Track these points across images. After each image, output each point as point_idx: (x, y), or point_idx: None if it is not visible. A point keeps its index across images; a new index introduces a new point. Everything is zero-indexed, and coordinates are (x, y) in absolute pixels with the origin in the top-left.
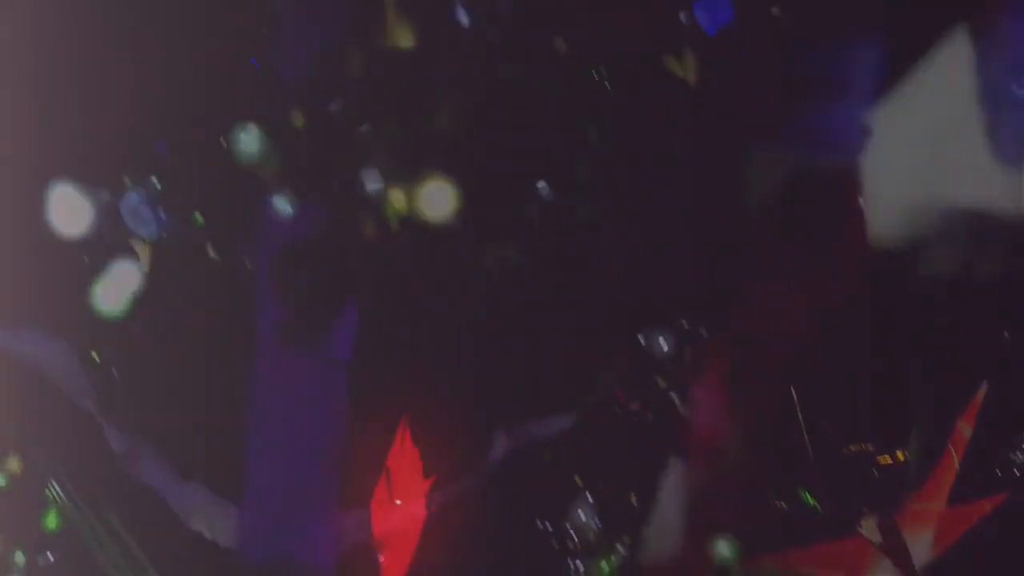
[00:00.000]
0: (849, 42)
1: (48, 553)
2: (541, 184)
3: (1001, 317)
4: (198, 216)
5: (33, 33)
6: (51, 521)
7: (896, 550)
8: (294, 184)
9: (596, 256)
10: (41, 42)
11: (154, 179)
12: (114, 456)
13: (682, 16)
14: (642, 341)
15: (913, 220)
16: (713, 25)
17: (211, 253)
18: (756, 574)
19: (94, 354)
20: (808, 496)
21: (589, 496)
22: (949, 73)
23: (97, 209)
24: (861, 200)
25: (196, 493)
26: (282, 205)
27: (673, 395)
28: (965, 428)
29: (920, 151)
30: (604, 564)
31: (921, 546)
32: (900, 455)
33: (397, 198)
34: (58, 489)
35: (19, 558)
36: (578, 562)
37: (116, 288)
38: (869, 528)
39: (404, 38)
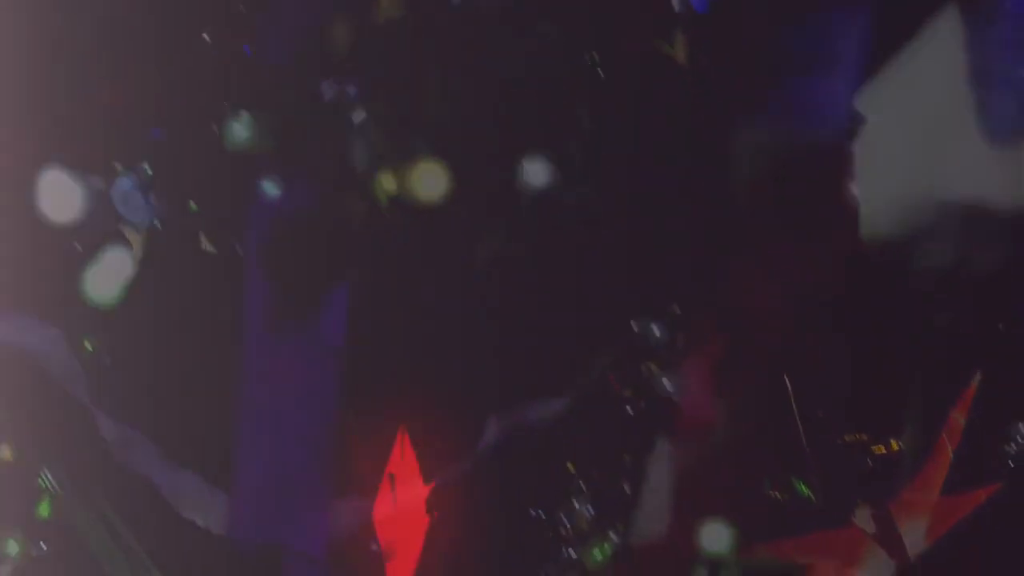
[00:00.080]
0: (838, 19)
1: (41, 543)
2: (534, 167)
3: (996, 307)
4: (191, 203)
5: (22, 17)
6: (44, 510)
7: (890, 540)
8: (283, 167)
9: (589, 240)
10: (30, 26)
11: (145, 165)
12: (106, 444)
13: None
14: (635, 327)
15: (905, 206)
16: (703, 2)
17: (204, 241)
18: (750, 563)
19: (87, 343)
20: (802, 486)
21: (582, 483)
22: (940, 51)
23: (88, 196)
24: (851, 183)
25: (188, 481)
26: (270, 188)
27: (666, 381)
28: (959, 418)
29: (911, 135)
30: (597, 552)
31: (915, 536)
32: (894, 444)
33: (387, 179)
34: (50, 478)
35: (12, 547)
36: (571, 550)
37: (108, 275)
38: (863, 518)
39: (393, 9)
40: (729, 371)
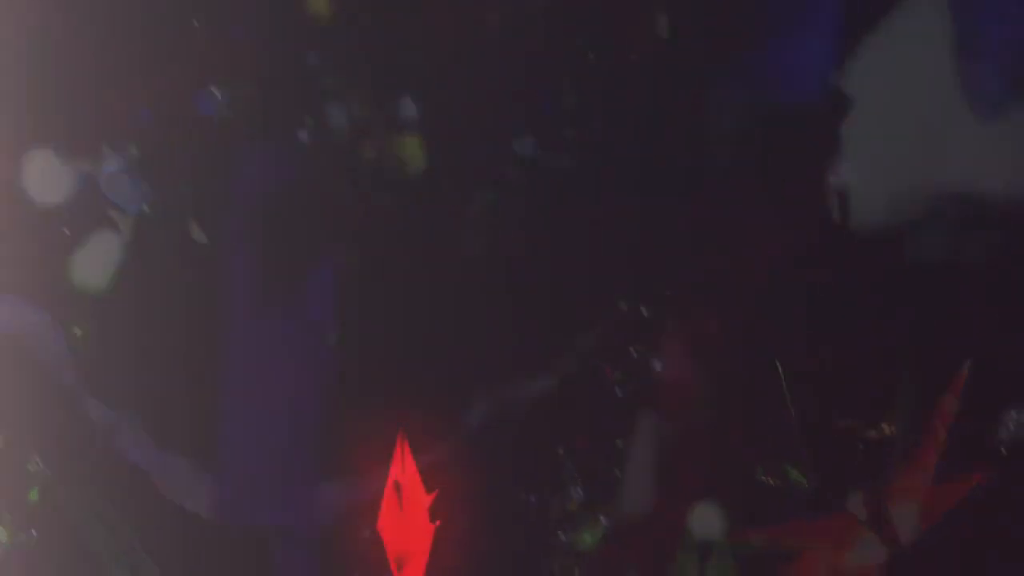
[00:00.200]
0: None
1: (32, 530)
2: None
3: (990, 292)
4: (179, 186)
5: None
6: (34, 496)
7: (882, 525)
8: (261, 139)
9: (574, 216)
10: (16, 8)
11: (133, 148)
12: (95, 429)
13: None
14: (622, 306)
15: (896, 190)
16: None
17: (194, 228)
18: (740, 548)
19: (76, 329)
20: (793, 471)
21: (571, 466)
22: (923, 20)
23: (75, 179)
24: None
25: (178, 466)
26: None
27: (654, 362)
28: (951, 403)
29: (899, 114)
30: (587, 535)
31: (907, 521)
32: (887, 429)
33: (369, 149)
34: (41, 464)
35: (1, 535)
36: (560, 533)
37: (96, 260)
38: (855, 503)
39: None
40: (716, 352)
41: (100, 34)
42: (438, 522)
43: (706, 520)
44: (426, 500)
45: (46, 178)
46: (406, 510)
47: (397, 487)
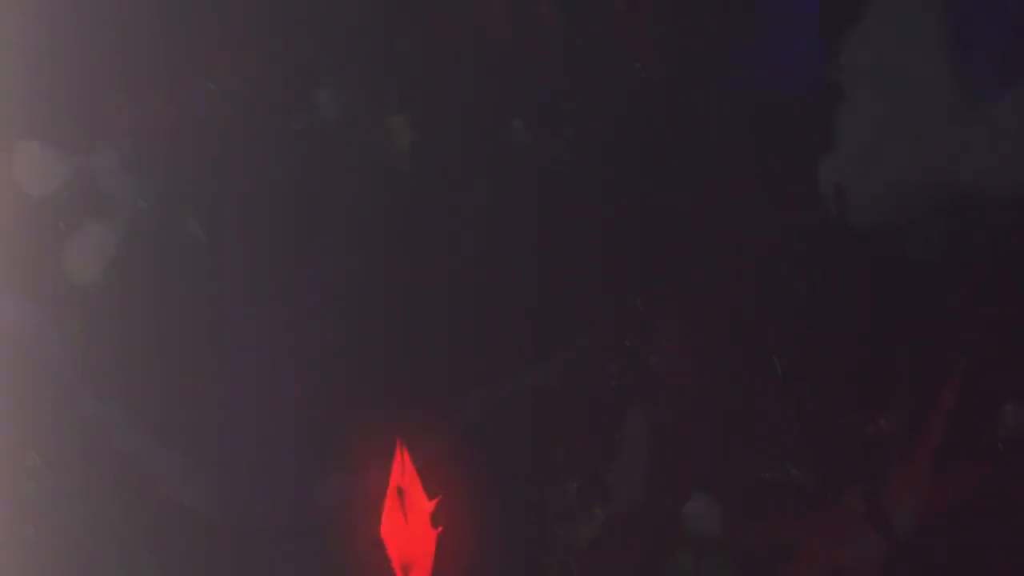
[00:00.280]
0: None
1: (30, 525)
2: (517, 124)
3: (988, 287)
4: (174, 181)
5: None
6: (31, 493)
7: (880, 520)
8: (253, 130)
9: (572, 213)
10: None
11: (128, 143)
12: (90, 424)
13: None
14: (619, 302)
15: (891, 185)
16: None
17: (193, 224)
18: (738, 541)
19: (74, 323)
20: (793, 468)
21: (568, 460)
22: (911, 12)
23: (70, 172)
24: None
25: (174, 460)
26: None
27: (650, 357)
28: (948, 398)
29: (892, 108)
30: (584, 530)
31: (905, 516)
32: (884, 424)
33: (362, 135)
34: (37, 460)
35: None
36: (558, 528)
37: (90, 253)
38: (853, 498)
39: None
40: (713, 347)
41: (97, 31)
42: (441, 528)
43: (703, 515)
44: (428, 506)
45: (42, 174)
46: (409, 516)
47: (400, 493)
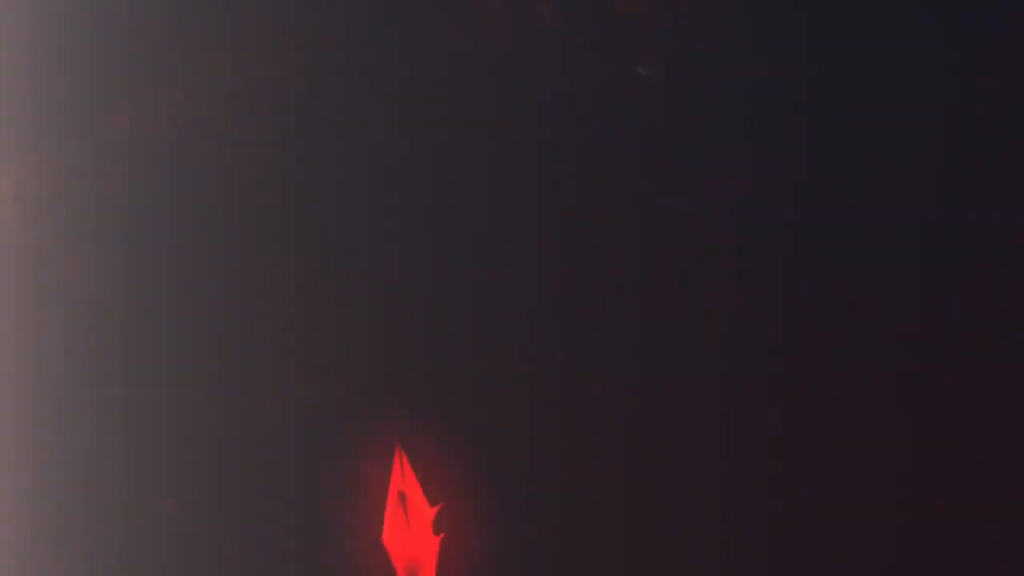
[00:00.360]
0: None
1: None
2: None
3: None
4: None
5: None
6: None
7: None
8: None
9: (568, 208)
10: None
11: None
12: (91, 424)
13: None
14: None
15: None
16: None
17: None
18: None
19: (74, 323)
20: None
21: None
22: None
23: (71, 171)
24: None
25: (173, 460)
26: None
27: None
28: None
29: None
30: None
31: None
32: None
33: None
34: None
35: None
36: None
37: (91, 253)
38: None
39: None
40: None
41: (98, 32)
42: (443, 534)
43: None
44: (430, 512)
45: (43, 175)
46: (412, 521)
47: (402, 497)
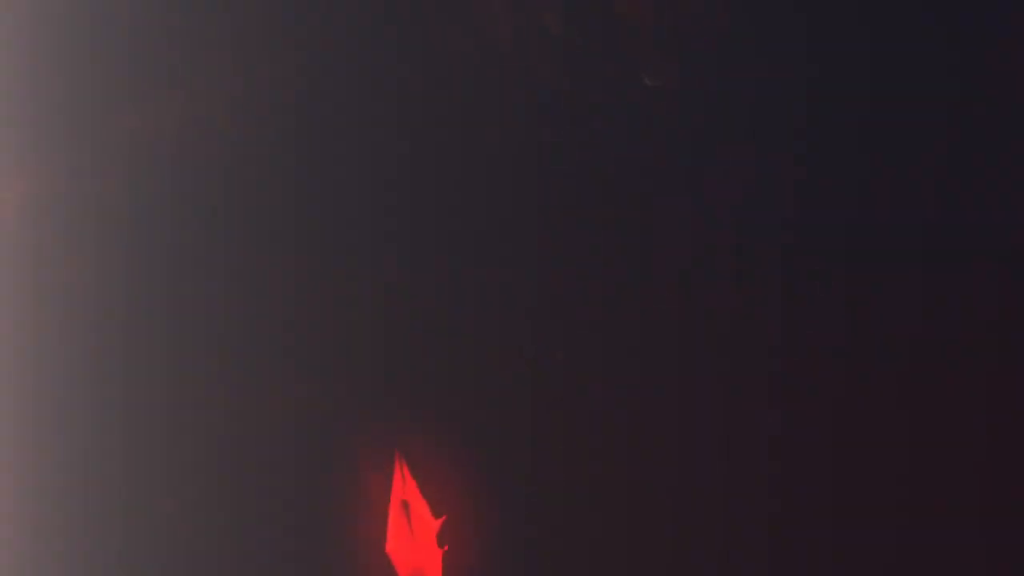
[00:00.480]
0: None
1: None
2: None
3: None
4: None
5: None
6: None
7: None
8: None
9: (568, 208)
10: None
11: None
12: (91, 424)
13: None
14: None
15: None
16: None
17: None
18: None
19: (74, 323)
20: None
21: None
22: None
23: (72, 172)
24: None
25: (173, 460)
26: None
27: None
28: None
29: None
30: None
31: None
32: None
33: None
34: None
35: None
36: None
37: (92, 253)
38: None
39: None
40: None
41: (98, 33)
42: (447, 547)
43: None
44: (434, 523)
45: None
46: (415, 530)
47: (404, 506)
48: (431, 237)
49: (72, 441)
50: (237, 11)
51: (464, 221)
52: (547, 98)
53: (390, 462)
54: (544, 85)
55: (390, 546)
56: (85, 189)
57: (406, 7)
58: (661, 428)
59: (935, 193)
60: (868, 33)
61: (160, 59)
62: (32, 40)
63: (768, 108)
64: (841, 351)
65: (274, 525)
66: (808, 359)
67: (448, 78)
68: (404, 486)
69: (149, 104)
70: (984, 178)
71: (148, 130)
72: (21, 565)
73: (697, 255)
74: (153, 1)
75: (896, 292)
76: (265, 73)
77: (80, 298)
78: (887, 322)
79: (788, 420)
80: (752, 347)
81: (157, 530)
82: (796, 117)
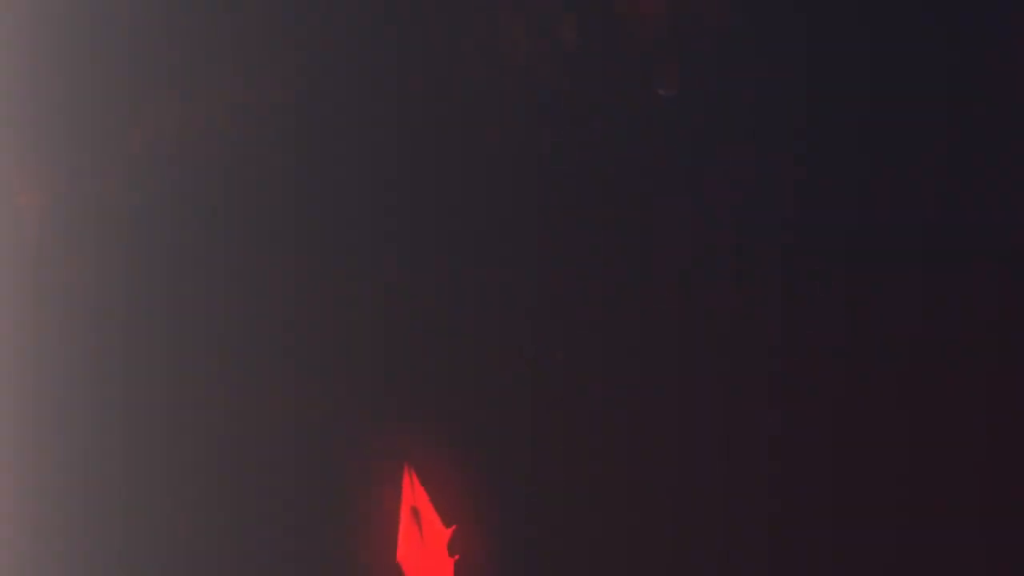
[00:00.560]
0: None
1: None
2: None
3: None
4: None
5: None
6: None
7: None
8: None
9: (568, 208)
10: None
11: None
12: (91, 424)
13: None
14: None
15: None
16: None
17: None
18: None
19: (74, 323)
20: None
21: None
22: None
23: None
24: None
25: (173, 459)
26: None
27: None
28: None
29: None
30: None
31: None
32: None
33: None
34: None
35: None
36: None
37: (92, 253)
38: None
39: None
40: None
41: (99, 34)
42: (457, 556)
43: None
44: (445, 533)
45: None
46: (426, 538)
47: (415, 514)
48: (431, 237)
49: (72, 441)
50: (237, 12)
51: (464, 221)
52: (547, 98)
53: (399, 471)
54: (544, 85)
55: (401, 554)
56: (85, 189)
57: (406, 7)
58: (661, 428)
59: (935, 193)
60: (868, 33)
61: (160, 59)
62: (32, 40)
63: (768, 108)
64: (841, 351)
65: (274, 525)
66: (808, 359)
67: (448, 78)
68: (414, 494)
69: (149, 104)
70: (984, 178)
71: (148, 130)
72: (21, 565)
73: (697, 255)
74: (153, 1)
75: (896, 292)
76: (265, 73)
77: (80, 298)
78: (887, 322)
79: (788, 420)
80: (752, 347)
81: (157, 530)
82: (796, 117)
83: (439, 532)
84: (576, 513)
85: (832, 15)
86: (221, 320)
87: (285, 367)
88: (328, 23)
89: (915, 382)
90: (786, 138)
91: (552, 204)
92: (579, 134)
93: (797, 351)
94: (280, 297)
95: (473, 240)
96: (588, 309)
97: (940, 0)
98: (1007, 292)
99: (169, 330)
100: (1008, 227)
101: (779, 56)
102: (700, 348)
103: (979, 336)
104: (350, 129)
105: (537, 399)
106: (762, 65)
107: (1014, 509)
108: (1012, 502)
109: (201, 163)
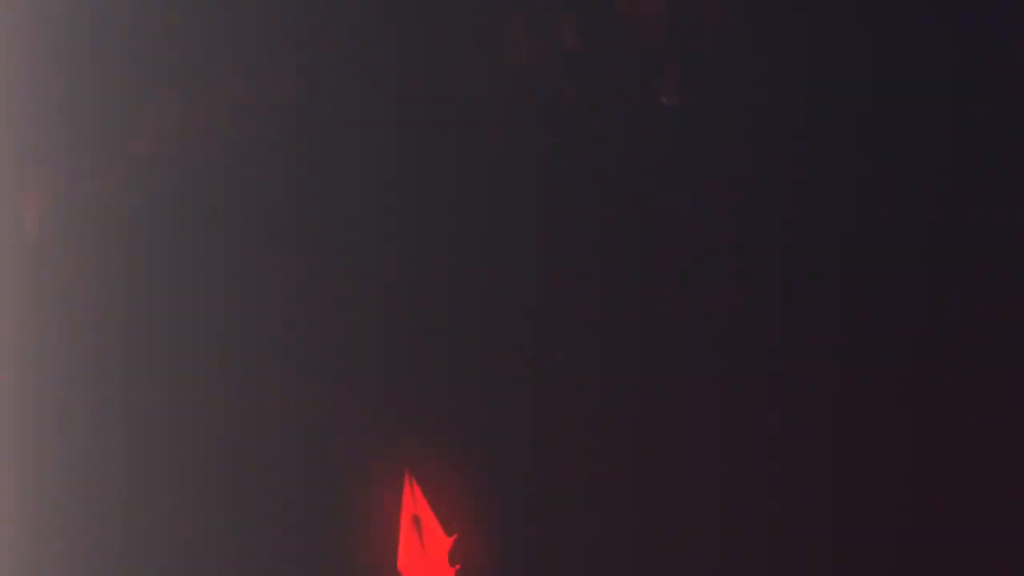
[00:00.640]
0: None
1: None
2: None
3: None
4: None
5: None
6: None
7: None
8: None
9: (568, 208)
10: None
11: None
12: (91, 424)
13: None
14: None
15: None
16: None
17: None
18: None
19: (74, 323)
20: None
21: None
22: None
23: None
24: None
25: (173, 459)
26: None
27: None
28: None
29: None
30: None
31: None
32: None
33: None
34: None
35: None
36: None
37: (92, 253)
38: None
39: None
40: None
41: (100, 35)
42: (459, 565)
43: None
44: (446, 541)
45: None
46: (427, 546)
47: (415, 521)
48: (431, 237)
49: (72, 441)
50: (237, 12)
51: (464, 221)
52: (547, 98)
53: (399, 471)
54: (544, 85)
55: (402, 562)
56: (85, 189)
57: (406, 7)
58: (661, 428)
59: (935, 193)
60: (868, 33)
61: (160, 59)
62: (32, 40)
63: (768, 108)
64: (841, 351)
65: (274, 525)
66: (808, 359)
67: (448, 78)
68: (415, 502)
69: (149, 104)
70: (984, 178)
71: (148, 130)
72: (21, 565)
73: (697, 255)
74: (153, 1)
75: (896, 292)
76: (265, 73)
77: (80, 298)
78: (887, 322)
79: (788, 420)
80: (752, 347)
81: (157, 530)
82: (796, 117)
83: (440, 540)
84: (576, 513)
85: (832, 15)
86: (221, 320)
87: (285, 367)
88: (328, 23)
89: (915, 382)
90: (786, 138)
91: (552, 204)
92: (579, 134)
93: (797, 351)
94: (280, 297)
95: (473, 240)
96: (588, 309)
97: (940, 0)
98: (1007, 292)
99: (169, 330)
100: (1008, 227)
101: (779, 56)
102: (700, 348)
103: (979, 336)
104: (350, 129)
105: (537, 399)
106: (762, 65)
107: (1014, 509)
108: (1012, 502)
109: (201, 163)
